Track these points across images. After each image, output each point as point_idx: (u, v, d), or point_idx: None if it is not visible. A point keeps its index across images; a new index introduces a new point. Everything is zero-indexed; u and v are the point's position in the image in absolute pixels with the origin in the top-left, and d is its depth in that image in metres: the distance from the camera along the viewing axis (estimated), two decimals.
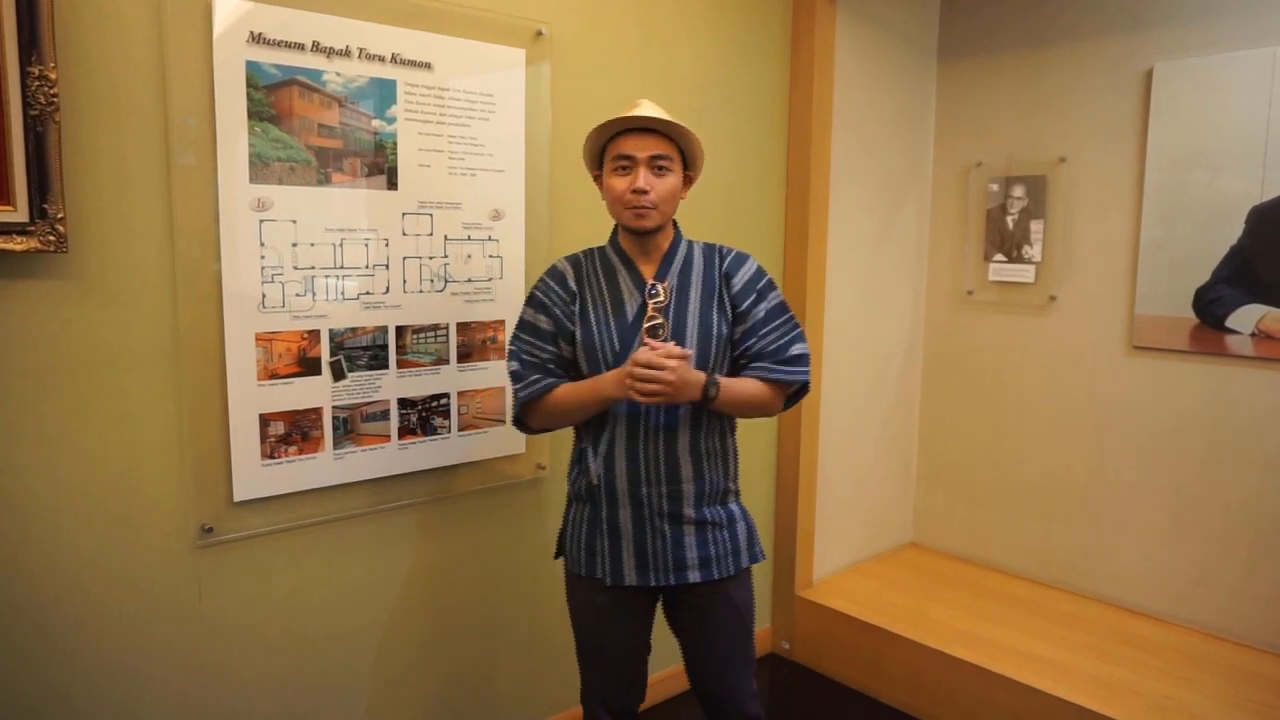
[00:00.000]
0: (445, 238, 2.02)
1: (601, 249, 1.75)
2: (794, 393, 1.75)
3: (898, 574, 3.09)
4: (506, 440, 2.19)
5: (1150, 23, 2.64)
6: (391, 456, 1.99)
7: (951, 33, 3.14)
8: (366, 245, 1.90)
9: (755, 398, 1.67)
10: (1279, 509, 2.48)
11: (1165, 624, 2.69)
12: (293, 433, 1.84)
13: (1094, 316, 2.82)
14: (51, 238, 1.49)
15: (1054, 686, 2.31)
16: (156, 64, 1.62)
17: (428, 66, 1.95)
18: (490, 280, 2.11)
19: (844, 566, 3.13)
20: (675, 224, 1.73)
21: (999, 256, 3.04)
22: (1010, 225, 2.99)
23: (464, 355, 2.09)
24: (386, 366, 1.96)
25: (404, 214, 1.95)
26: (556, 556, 1.83)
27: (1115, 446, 2.79)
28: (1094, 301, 2.82)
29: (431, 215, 2.00)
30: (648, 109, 1.62)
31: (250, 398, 1.77)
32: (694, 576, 1.67)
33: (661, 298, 1.65)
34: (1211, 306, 2.54)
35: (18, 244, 1.46)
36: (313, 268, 1.83)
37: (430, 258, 2.01)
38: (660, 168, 1.62)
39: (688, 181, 1.70)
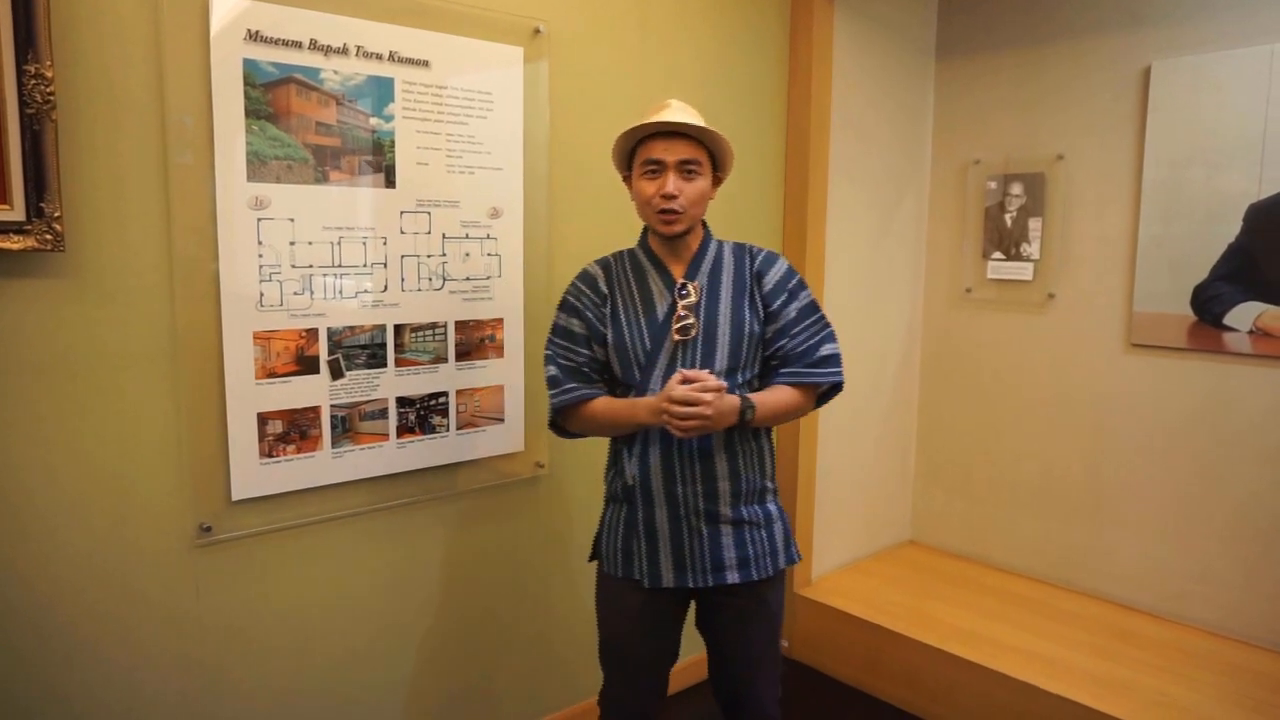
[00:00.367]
0: (443, 236, 2.02)
1: (631, 251, 1.76)
2: (825, 392, 1.75)
3: (896, 572, 3.09)
4: (505, 439, 2.19)
5: (1148, 20, 2.64)
6: (390, 455, 1.99)
7: (949, 30, 3.13)
8: (364, 244, 1.90)
9: (790, 406, 1.68)
10: (1275, 505, 2.48)
11: (1163, 621, 2.69)
12: (291, 431, 1.84)
13: (1092, 314, 2.82)
14: (48, 236, 1.49)
15: (1052, 684, 2.31)
16: (153, 62, 1.61)
17: (425, 64, 1.95)
18: (488, 279, 2.11)
19: (843, 564, 3.13)
20: (705, 224, 1.73)
21: (997, 254, 3.04)
22: (1008, 223, 3.00)
23: (462, 354, 2.09)
24: (385, 365, 1.96)
25: (402, 212, 1.95)
26: (591, 559, 1.83)
27: (1113, 444, 2.80)
28: (1092, 299, 2.82)
29: (429, 213, 1.99)
30: (677, 111, 1.62)
31: (248, 396, 1.77)
32: (732, 577, 1.67)
33: (691, 297, 1.65)
34: (1209, 304, 2.54)
35: (14, 243, 1.46)
36: (311, 266, 1.83)
37: (428, 256, 2.00)
38: (689, 172, 1.62)
39: (716, 182, 1.70)
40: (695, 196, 1.63)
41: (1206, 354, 2.58)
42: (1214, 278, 2.53)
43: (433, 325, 2.03)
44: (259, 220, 1.75)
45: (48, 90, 1.46)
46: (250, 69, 1.70)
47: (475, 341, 2.11)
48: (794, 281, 1.72)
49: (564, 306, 1.74)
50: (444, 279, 2.03)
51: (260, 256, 1.76)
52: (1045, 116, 2.89)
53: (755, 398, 1.62)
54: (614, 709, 1.78)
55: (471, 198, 2.06)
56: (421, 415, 2.03)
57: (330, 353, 1.88)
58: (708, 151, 1.66)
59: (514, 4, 2.09)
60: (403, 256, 1.96)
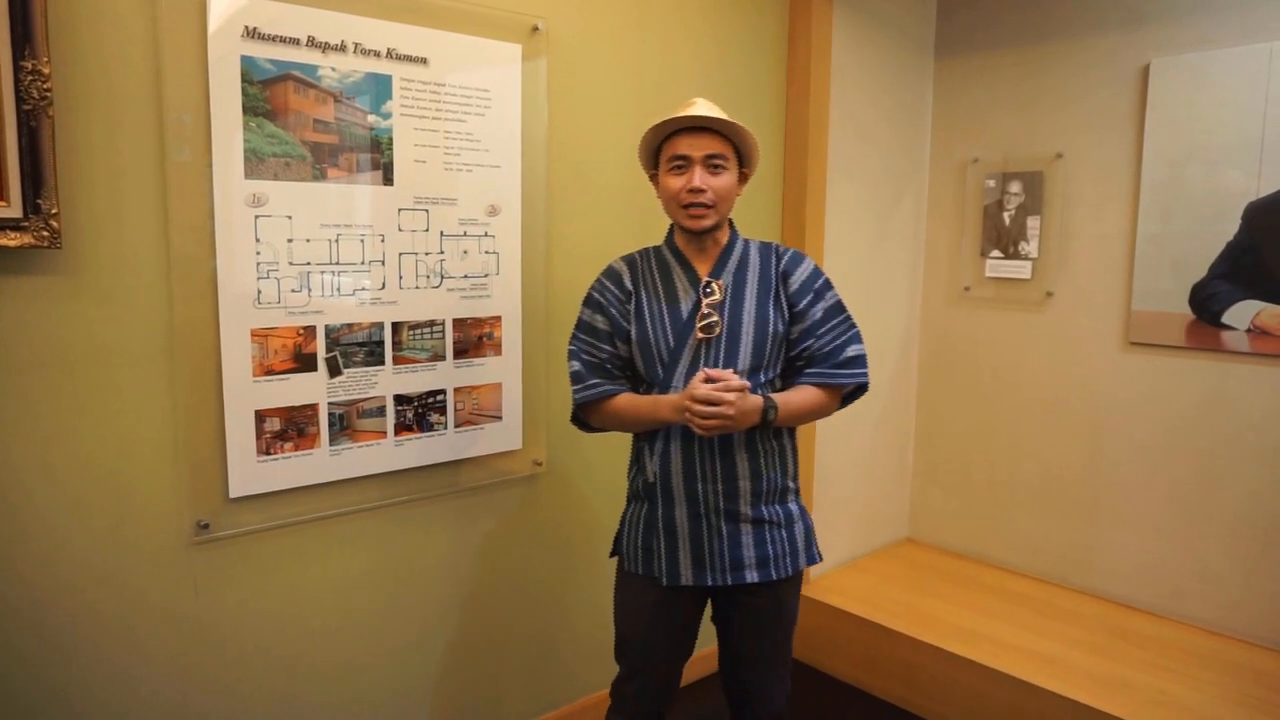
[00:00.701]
0: (441, 233, 2.02)
1: (657, 248, 1.76)
2: (850, 393, 1.76)
3: (894, 570, 3.09)
4: (503, 436, 2.19)
5: (1147, 18, 2.64)
6: (388, 453, 1.99)
7: (948, 28, 3.13)
8: (362, 241, 1.90)
9: (814, 407, 1.68)
10: (1273, 503, 2.48)
11: (1161, 619, 2.69)
12: (288, 429, 1.83)
13: (1090, 312, 2.82)
14: (45, 233, 1.49)
15: (1050, 682, 2.31)
16: (151, 59, 1.61)
17: (424, 62, 1.94)
18: (486, 276, 2.11)
19: (840, 562, 3.13)
20: (731, 222, 1.74)
21: (996, 252, 3.04)
22: (1007, 221, 3.00)
23: (460, 351, 2.09)
24: (383, 363, 1.96)
25: (400, 210, 1.95)
26: (611, 555, 1.84)
27: (1111, 442, 2.80)
28: (1090, 297, 2.82)
29: (428, 211, 1.99)
30: (702, 107, 1.63)
31: (246, 394, 1.77)
32: (751, 576, 1.67)
33: (716, 295, 1.66)
34: (1208, 302, 2.55)
35: (11, 240, 1.45)
36: (308, 264, 1.83)
37: (426, 254, 2.00)
38: (716, 166, 1.62)
39: (743, 178, 1.71)
40: (722, 191, 1.63)
41: (1205, 352, 2.58)
42: (1212, 276, 2.53)
43: (430, 323, 2.03)
44: (257, 218, 1.75)
45: (45, 87, 1.46)
46: (248, 66, 1.70)
47: (473, 339, 2.11)
48: (820, 282, 1.72)
49: (588, 302, 1.75)
50: (442, 277, 2.03)
51: (258, 254, 1.76)
52: (1044, 115, 2.89)
53: (778, 398, 1.62)
54: (628, 703, 1.78)
55: (469, 195, 2.06)
56: (419, 413, 2.03)
57: (328, 350, 1.88)
58: (734, 147, 1.66)
59: (512, 1, 2.09)
60: (400, 254, 1.96)
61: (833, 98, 2.81)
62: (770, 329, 1.67)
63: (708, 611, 1.82)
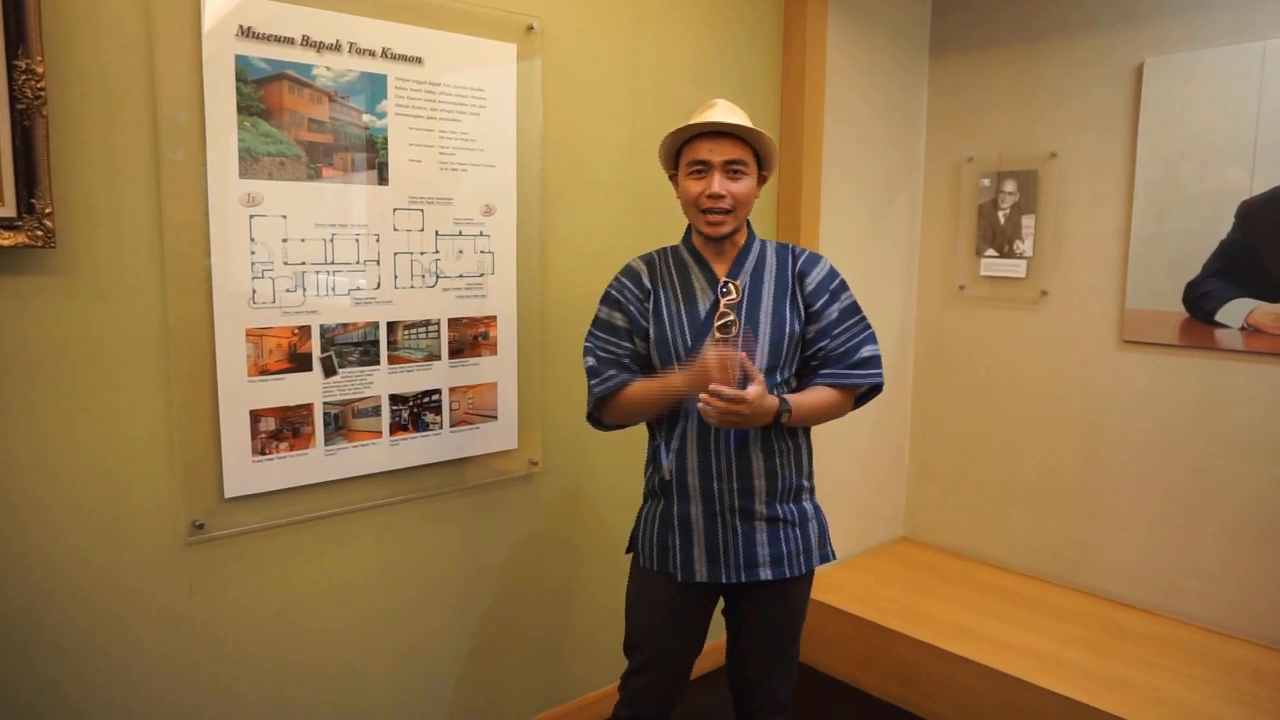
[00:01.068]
0: (436, 233, 2.02)
1: (675, 248, 1.77)
2: (864, 393, 1.77)
3: (890, 568, 3.10)
4: (499, 436, 2.19)
5: (1141, 17, 2.65)
6: (383, 453, 1.99)
7: (943, 27, 3.14)
8: (357, 241, 1.90)
9: (828, 407, 1.70)
10: (1268, 501, 2.49)
11: (1156, 617, 2.70)
12: (284, 429, 1.83)
13: (1085, 311, 2.83)
14: (39, 233, 1.48)
15: (1046, 680, 2.32)
16: (145, 58, 1.61)
17: (419, 61, 1.94)
18: (482, 276, 2.11)
19: (837, 561, 3.13)
20: (748, 224, 1.75)
21: (990, 251, 3.04)
22: (1002, 220, 3.00)
23: (455, 351, 2.09)
24: (378, 362, 1.96)
25: (395, 209, 1.95)
26: (627, 552, 1.85)
27: (1106, 440, 2.81)
28: (1085, 296, 2.83)
29: (423, 210, 1.99)
30: (723, 112, 1.63)
31: (241, 394, 1.77)
32: (765, 574, 1.68)
33: (733, 295, 1.67)
34: (1201, 300, 2.55)
35: (5, 239, 1.45)
36: (303, 263, 1.82)
37: (421, 253, 2.00)
38: (735, 172, 1.63)
39: (761, 181, 1.71)
40: (741, 196, 1.64)
41: (1199, 350, 2.58)
42: (1206, 274, 2.54)
43: (426, 323, 2.03)
44: (251, 217, 1.75)
45: (38, 86, 1.46)
46: (242, 65, 1.70)
47: (468, 339, 2.11)
48: (836, 283, 1.74)
49: (606, 300, 1.76)
50: (437, 276, 2.03)
51: (252, 253, 1.76)
52: (1038, 114, 2.90)
53: (793, 399, 1.63)
54: (638, 698, 1.79)
55: (465, 195, 2.05)
56: (415, 413, 2.03)
57: (323, 350, 1.87)
58: (753, 151, 1.67)
59: (507, 1, 2.09)
60: (395, 254, 1.96)
61: (828, 96, 2.82)
62: (787, 329, 1.68)
63: (718, 607, 1.83)
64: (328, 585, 1.96)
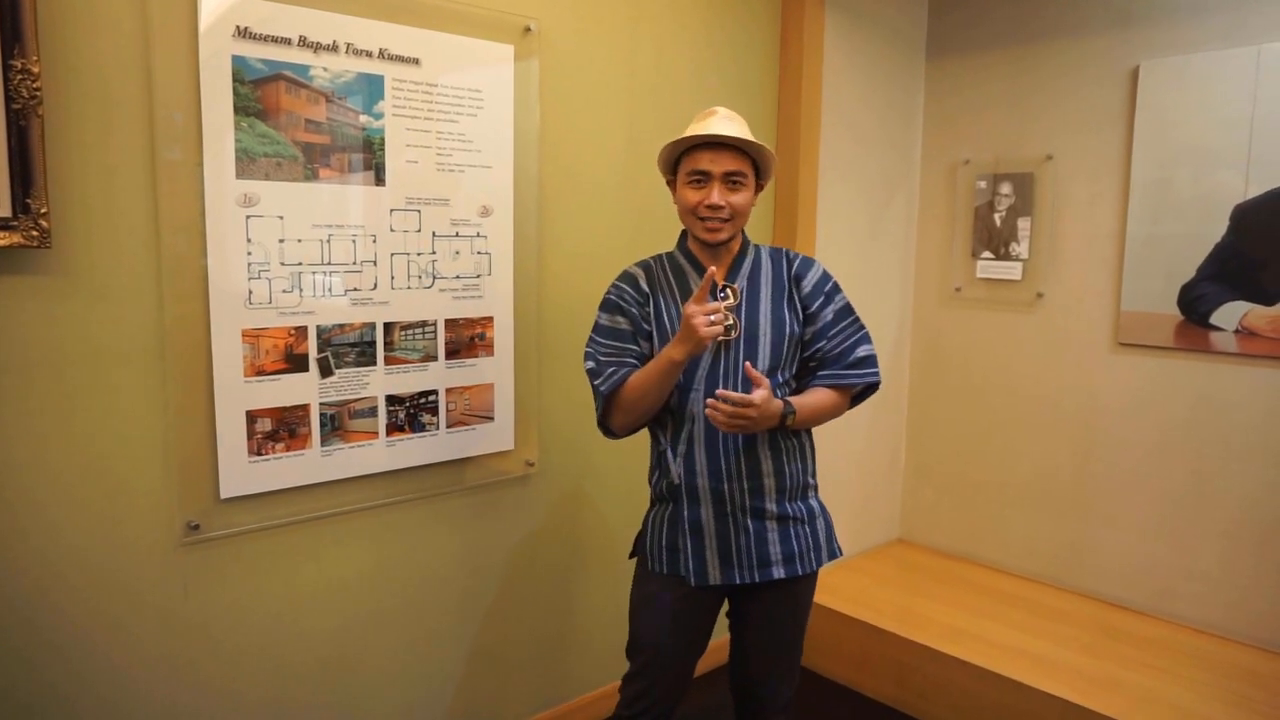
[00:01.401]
0: (433, 234, 2.02)
1: (671, 254, 1.78)
2: (860, 391, 1.79)
3: (886, 570, 3.10)
4: (495, 437, 2.19)
5: (1136, 20, 2.65)
6: (379, 453, 1.99)
7: (940, 29, 3.15)
8: (354, 241, 1.90)
9: (828, 408, 1.72)
10: (1262, 503, 2.50)
11: (1151, 619, 2.71)
12: (280, 429, 1.83)
13: (1080, 313, 2.84)
14: (35, 233, 1.48)
15: (1041, 681, 2.32)
16: (142, 58, 1.60)
17: (416, 62, 1.94)
18: (479, 277, 2.11)
19: (832, 562, 3.13)
20: (743, 230, 1.76)
21: (986, 253, 3.05)
22: (998, 222, 3.01)
23: (452, 352, 2.08)
24: (374, 363, 1.95)
25: (392, 210, 1.95)
26: (631, 556, 1.85)
27: (1101, 442, 2.81)
28: (1080, 298, 2.83)
29: (419, 211, 1.99)
30: (723, 120, 1.64)
31: (237, 394, 1.76)
32: (778, 573, 1.70)
33: (731, 299, 1.68)
34: (1196, 303, 2.56)
35: (0, 239, 1.45)
36: (300, 264, 1.82)
37: (418, 254, 2.00)
38: (734, 183, 1.65)
39: (758, 190, 1.73)
40: (740, 207, 1.66)
41: (1193, 353, 2.59)
42: (1200, 277, 2.55)
43: (422, 323, 2.03)
44: (248, 218, 1.75)
45: (34, 86, 1.45)
46: (239, 66, 1.70)
47: (465, 340, 2.11)
48: (830, 285, 1.76)
49: (606, 306, 1.75)
50: (434, 277, 2.03)
51: (249, 254, 1.75)
52: (1034, 116, 2.90)
53: (795, 401, 1.65)
54: (640, 700, 1.78)
55: (461, 196, 2.05)
56: (411, 414, 2.03)
57: (319, 351, 1.87)
58: (752, 162, 1.68)
59: (505, 2, 2.09)
60: (392, 254, 1.96)
61: (825, 98, 2.82)
62: (787, 330, 1.70)
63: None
64: (324, 586, 1.96)
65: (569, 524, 2.41)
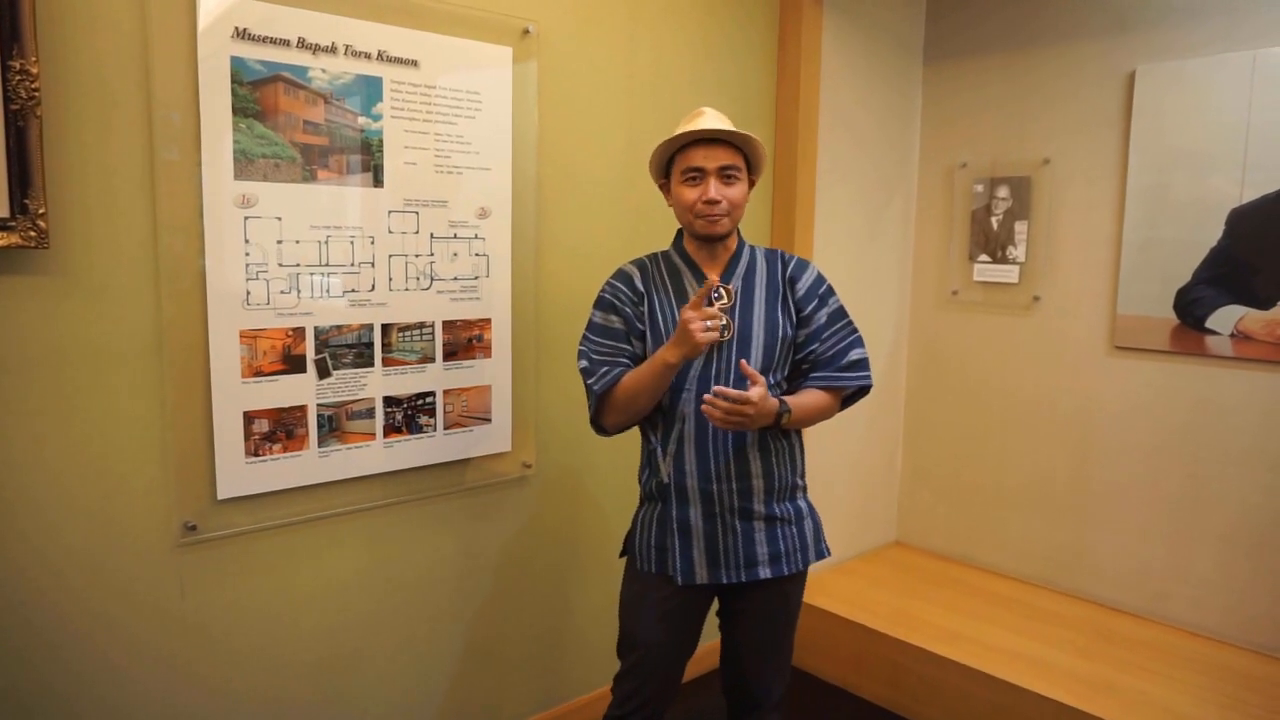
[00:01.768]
0: (431, 236, 2.02)
1: (665, 253, 1.79)
2: (851, 394, 1.80)
3: (882, 572, 3.11)
4: (492, 439, 2.19)
5: (1133, 25, 2.66)
6: (377, 455, 1.99)
7: (937, 32, 3.15)
8: (352, 243, 1.90)
9: (820, 409, 1.73)
10: (1258, 507, 2.51)
11: (1146, 621, 2.71)
12: (277, 430, 1.83)
13: (1077, 317, 2.84)
14: (32, 233, 1.48)
15: (1034, 683, 2.33)
16: (140, 59, 1.61)
17: (414, 64, 1.94)
18: (476, 278, 2.11)
19: (829, 565, 3.14)
20: (738, 230, 1.77)
21: (983, 257, 3.06)
22: (995, 226, 3.02)
23: (450, 354, 2.09)
24: (372, 364, 1.96)
25: (390, 212, 1.95)
26: (621, 555, 1.86)
27: (1097, 445, 2.82)
28: (1077, 302, 2.84)
29: (418, 213, 1.99)
30: (712, 119, 1.66)
31: (234, 395, 1.77)
32: (764, 572, 1.70)
33: (725, 300, 1.69)
34: (1192, 307, 2.57)
35: None
36: (298, 265, 1.82)
37: (416, 256, 2.00)
38: (729, 177, 1.66)
39: (750, 184, 1.74)
40: (737, 200, 1.67)
41: (1189, 357, 2.60)
42: (1196, 281, 2.56)
43: (420, 325, 2.03)
44: (246, 218, 1.75)
45: (32, 86, 1.45)
46: (238, 67, 1.70)
47: (463, 341, 2.11)
48: (824, 288, 1.77)
49: (600, 304, 1.76)
50: (431, 279, 2.03)
51: (247, 255, 1.75)
52: (1031, 120, 2.91)
53: (791, 401, 1.66)
54: (630, 700, 1.79)
55: (459, 198, 2.06)
56: (408, 415, 2.03)
57: (317, 352, 1.87)
58: (744, 156, 1.69)
59: (503, 4, 2.09)
60: (390, 256, 1.96)
61: (822, 100, 2.83)
62: (780, 333, 1.71)
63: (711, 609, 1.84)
64: (321, 587, 1.96)
65: (566, 526, 2.41)
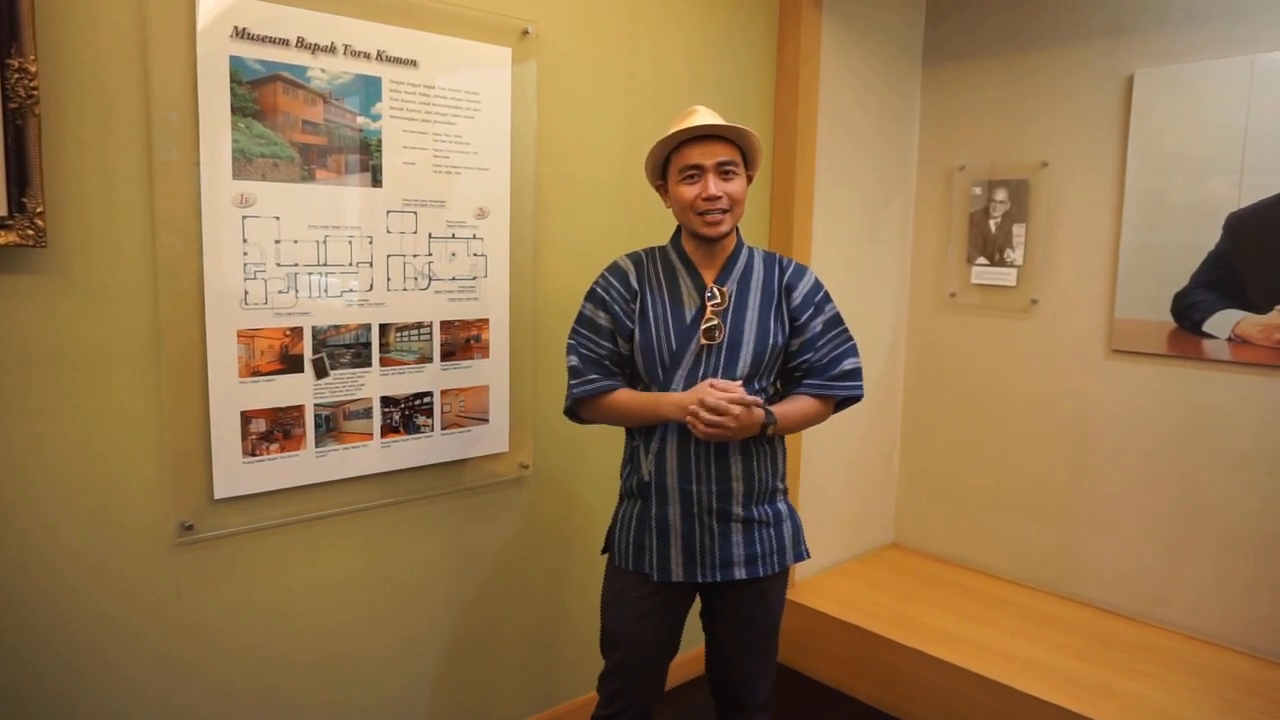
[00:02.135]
0: (429, 236, 2.02)
1: (663, 249, 1.78)
2: (841, 400, 1.79)
3: (879, 574, 3.11)
4: (490, 439, 2.19)
5: (1131, 29, 2.67)
6: (374, 455, 1.99)
7: (936, 35, 3.16)
8: (350, 243, 1.90)
9: (809, 417, 1.73)
10: (1255, 511, 2.51)
11: (1143, 624, 2.72)
12: (274, 430, 1.83)
13: (1074, 320, 2.85)
14: (30, 232, 1.48)
15: (1031, 686, 2.33)
16: (139, 58, 1.60)
17: (413, 64, 1.94)
18: (474, 279, 2.11)
19: (826, 567, 3.14)
20: (737, 230, 1.76)
21: (981, 259, 3.06)
22: (993, 228, 3.02)
23: (447, 354, 2.08)
24: (369, 364, 1.95)
25: (388, 211, 1.95)
26: (603, 552, 1.86)
27: (1094, 449, 2.82)
28: (1074, 305, 2.84)
29: (416, 213, 1.99)
30: (706, 116, 1.66)
31: (232, 395, 1.76)
32: (740, 574, 1.71)
33: (720, 301, 1.69)
34: (1189, 311, 2.57)
35: None
36: (296, 265, 1.82)
37: (414, 256, 2.00)
38: (727, 172, 1.66)
39: (748, 180, 1.73)
40: (736, 195, 1.67)
41: (1186, 360, 2.60)
42: (1194, 285, 2.56)
43: (418, 325, 2.03)
44: (244, 218, 1.74)
45: (31, 85, 1.45)
46: (237, 66, 1.70)
47: (460, 341, 2.11)
48: (820, 295, 1.77)
49: (591, 297, 1.76)
50: (430, 279, 2.03)
51: (245, 254, 1.75)
52: (1030, 123, 2.92)
53: (777, 410, 1.66)
54: (615, 699, 1.80)
55: (458, 198, 2.06)
56: (406, 415, 2.03)
57: (315, 352, 1.87)
58: (740, 151, 1.69)
59: (502, 5, 2.09)
60: (388, 256, 1.96)
61: (821, 102, 2.83)
62: (770, 340, 1.70)
63: (694, 612, 1.84)
64: (318, 587, 1.96)
65: (563, 526, 2.41)
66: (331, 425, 1.91)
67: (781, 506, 1.77)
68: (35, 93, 1.46)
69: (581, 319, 1.76)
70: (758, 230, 2.83)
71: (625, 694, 1.78)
